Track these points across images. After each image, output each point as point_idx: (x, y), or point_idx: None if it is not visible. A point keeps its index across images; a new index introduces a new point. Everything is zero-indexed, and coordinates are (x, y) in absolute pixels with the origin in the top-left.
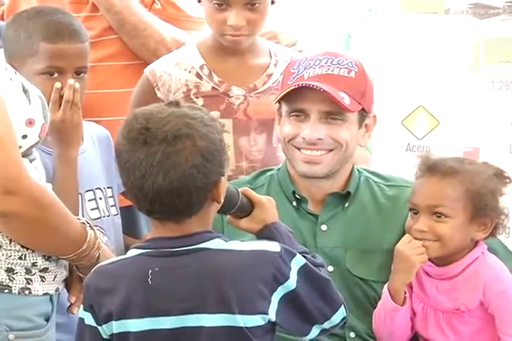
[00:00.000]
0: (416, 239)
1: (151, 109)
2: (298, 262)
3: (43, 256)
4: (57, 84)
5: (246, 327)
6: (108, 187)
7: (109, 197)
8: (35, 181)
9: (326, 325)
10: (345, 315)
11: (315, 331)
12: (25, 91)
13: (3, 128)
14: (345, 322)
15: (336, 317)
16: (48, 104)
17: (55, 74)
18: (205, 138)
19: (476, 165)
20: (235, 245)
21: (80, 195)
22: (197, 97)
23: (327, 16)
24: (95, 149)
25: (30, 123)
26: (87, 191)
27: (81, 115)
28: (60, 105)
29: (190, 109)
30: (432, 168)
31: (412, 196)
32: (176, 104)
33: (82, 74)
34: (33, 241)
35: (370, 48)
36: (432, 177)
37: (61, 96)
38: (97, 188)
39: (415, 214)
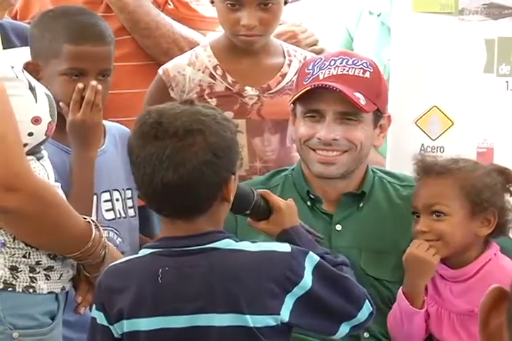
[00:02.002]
0: None
1: (164, 106)
2: (311, 261)
3: (48, 255)
4: (80, 85)
5: (255, 328)
6: (127, 189)
7: (128, 198)
8: (37, 177)
9: (355, 321)
10: (372, 309)
11: (344, 328)
12: (31, 89)
13: (7, 125)
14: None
15: (363, 314)
16: (68, 105)
17: (78, 76)
18: (216, 135)
19: (471, 162)
20: (245, 245)
21: (95, 196)
22: (210, 97)
23: (328, 19)
24: (117, 150)
25: (36, 121)
26: (103, 192)
27: (101, 116)
28: (81, 106)
29: (204, 107)
30: (426, 170)
31: (412, 200)
32: (191, 102)
33: (104, 77)
34: (36, 238)
35: (378, 48)
36: (427, 178)
37: (82, 97)
38: (114, 189)
39: (418, 217)
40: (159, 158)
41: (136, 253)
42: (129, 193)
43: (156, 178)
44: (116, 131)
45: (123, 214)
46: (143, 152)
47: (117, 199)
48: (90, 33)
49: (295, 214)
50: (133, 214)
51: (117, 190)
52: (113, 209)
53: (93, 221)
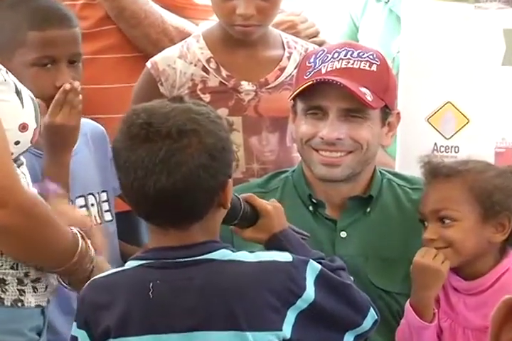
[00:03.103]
0: None
1: (152, 104)
2: (313, 270)
3: (35, 265)
4: (67, 86)
5: None
6: (102, 191)
7: (104, 201)
8: (26, 191)
9: (359, 330)
10: (376, 317)
11: (348, 338)
12: (18, 93)
13: None
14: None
15: (367, 322)
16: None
17: (48, 65)
18: (212, 135)
19: (482, 163)
20: (243, 256)
21: (70, 202)
22: (203, 93)
23: (331, 7)
24: (89, 150)
25: (23, 128)
26: (78, 197)
27: (80, 119)
28: (61, 107)
29: (195, 104)
30: (433, 173)
31: (419, 206)
32: (180, 99)
33: (76, 63)
34: (24, 253)
35: (386, 39)
36: (435, 182)
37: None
38: (89, 193)
39: (425, 225)
40: (152, 161)
41: (117, 263)
42: (104, 196)
43: (148, 183)
44: (88, 129)
45: (99, 221)
46: (133, 155)
47: (92, 204)
48: (54, 17)
49: (282, 216)
50: (109, 218)
51: (92, 194)
52: (89, 215)
53: (79, 232)
